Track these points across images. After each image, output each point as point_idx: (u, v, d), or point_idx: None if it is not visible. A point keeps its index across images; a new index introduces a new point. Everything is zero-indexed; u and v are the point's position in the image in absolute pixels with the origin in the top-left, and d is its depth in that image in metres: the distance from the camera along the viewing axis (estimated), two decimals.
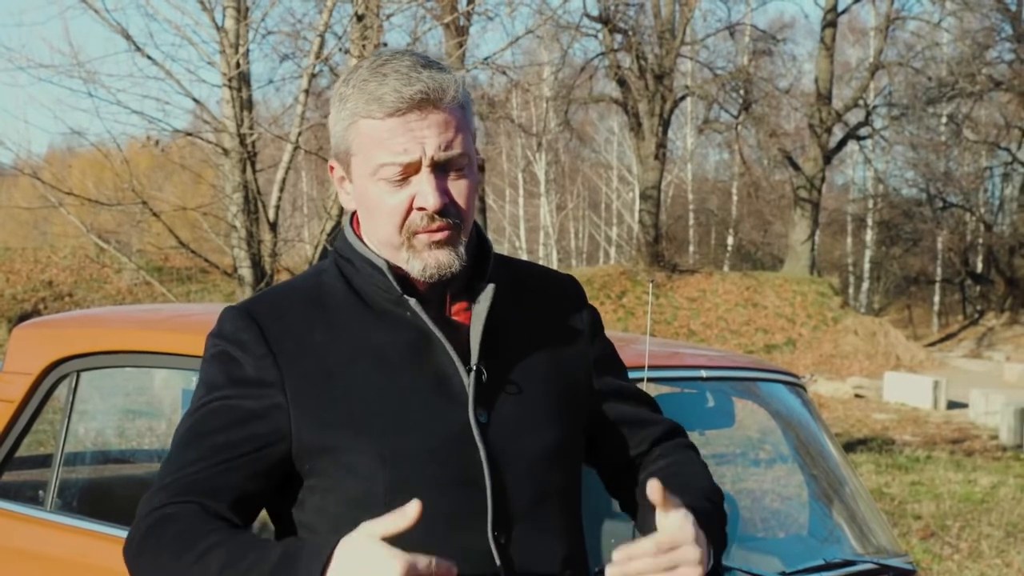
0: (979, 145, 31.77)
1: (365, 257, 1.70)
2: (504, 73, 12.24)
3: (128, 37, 8.65)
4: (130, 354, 3.23)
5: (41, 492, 3.31)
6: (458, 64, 11.18)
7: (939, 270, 35.55)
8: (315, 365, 1.64)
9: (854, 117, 29.97)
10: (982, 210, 34.52)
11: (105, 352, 3.24)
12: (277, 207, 8.98)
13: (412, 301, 1.66)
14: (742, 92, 27.80)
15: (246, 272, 8.59)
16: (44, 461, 3.73)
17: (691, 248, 38.15)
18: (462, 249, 1.66)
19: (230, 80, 8.54)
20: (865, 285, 37.12)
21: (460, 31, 13.07)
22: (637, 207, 30.97)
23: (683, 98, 29.77)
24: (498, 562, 1.62)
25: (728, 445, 7.90)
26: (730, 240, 38.52)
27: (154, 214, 9.04)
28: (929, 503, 9.65)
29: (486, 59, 10.65)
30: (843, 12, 29.70)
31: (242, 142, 8.54)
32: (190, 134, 9.29)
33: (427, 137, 1.62)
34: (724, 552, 1.73)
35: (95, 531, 3.08)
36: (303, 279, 1.76)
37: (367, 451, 1.61)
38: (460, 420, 1.64)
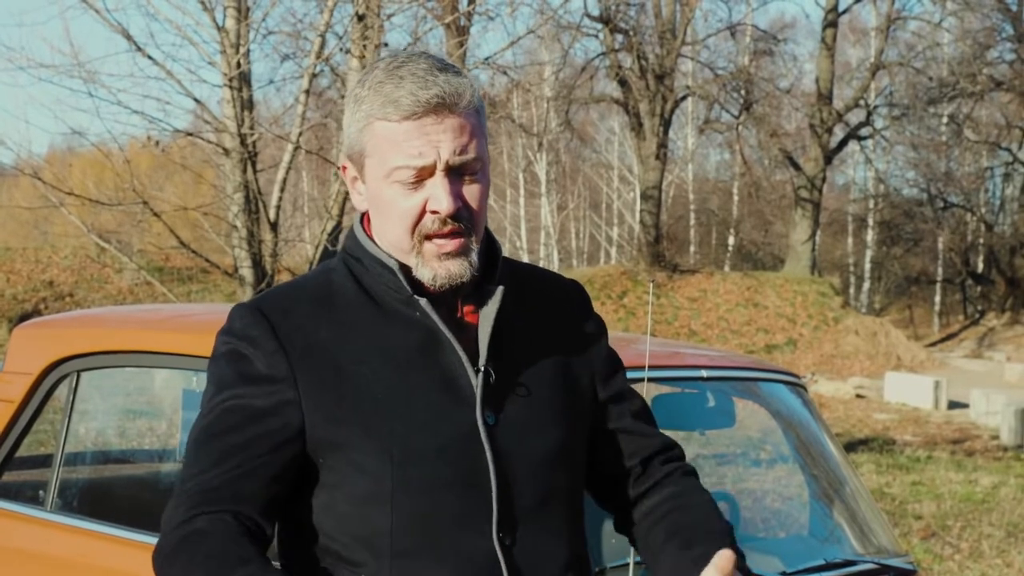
0: (980, 145, 31.76)
1: (375, 257, 1.70)
2: (505, 73, 12.24)
3: (129, 37, 8.65)
4: (131, 354, 3.22)
5: (41, 492, 3.31)
6: (459, 64, 11.18)
7: (940, 270, 35.54)
8: (325, 362, 1.64)
9: (855, 117, 29.96)
10: (983, 210, 34.51)
11: (106, 352, 3.24)
12: (278, 207, 8.97)
13: (423, 301, 1.66)
14: (743, 92, 27.79)
15: (247, 272, 8.59)
16: (44, 461, 3.73)
17: (692, 248, 38.14)
18: (474, 257, 1.67)
19: (231, 80, 8.54)
20: (866, 285, 37.11)
21: (461, 31, 13.05)
22: (638, 207, 30.97)
23: (684, 98, 29.78)
24: (502, 563, 1.62)
25: (729, 445, 7.90)
26: (731, 240, 38.52)
27: (155, 214, 9.04)
28: (930, 503, 9.65)
29: (487, 59, 10.65)
30: (844, 12, 29.69)
31: (243, 142, 8.54)
32: (191, 134, 9.29)
33: (442, 141, 1.62)
34: None
35: (95, 531, 3.08)
36: (312, 277, 1.76)
37: (375, 449, 1.61)
38: (468, 420, 1.64)
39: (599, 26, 26.60)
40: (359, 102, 1.66)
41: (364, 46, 8.62)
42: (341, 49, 9.77)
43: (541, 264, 34.85)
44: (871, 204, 36.21)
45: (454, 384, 1.65)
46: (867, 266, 36.92)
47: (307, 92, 9.01)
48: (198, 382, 3.26)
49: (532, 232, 39.24)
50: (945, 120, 31.21)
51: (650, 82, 26.78)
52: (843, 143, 30.21)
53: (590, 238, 44.11)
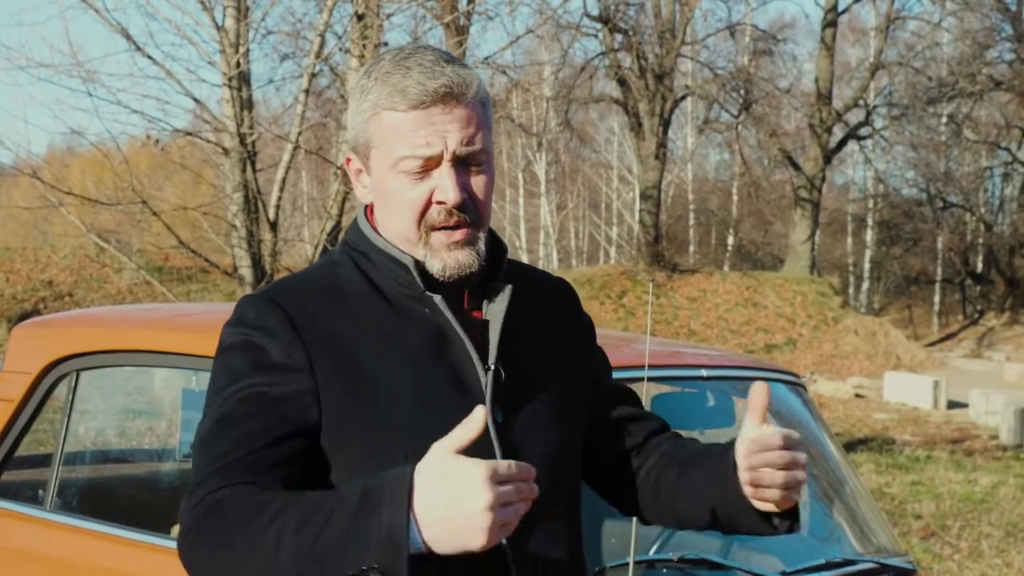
0: (979, 145, 31.77)
1: (385, 252, 1.69)
2: (504, 73, 12.22)
3: (128, 37, 8.64)
4: (130, 353, 3.22)
5: (41, 491, 3.31)
6: None
7: (939, 270, 35.55)
8: (343, 355, 1.62)
9: (854, 117, 29.97)
10: (982, 210, 34.52)
11: (105, 351, 3.24)
12: (277, 207, 8.97)
13: (437, 298, 1.65)
14: (742, 92, 27.79)
15: (246, 272, 8.59)
16: (44, 460, 3.73)
17: (691, 248, 38.15)
18: (481, 247, 1.67)
19: (230, 80, 8.53)
20: (865, 285, 37.13)
21: (460, 31, 13.05)
22: (637, 207, 30.97)
23: (683, 98, 29.77)
24: (510, 562, 1.62)
25: None
26: (730, 240, 38.52)
27: (154, 214, 9.03)
28: (929, 503, 9.65)
29: (486, 59, 10.64)
30: (843, 12, 29.69)
31: (242, 142, 8.54)
32: (190, 134, 9.28)
33: (449, 132, 1.61)
34: None
35: (95, 531, 3.07)
36: (318, 270, 1.74)
37: (389, 446, 1.60)
38: None
39: (598, 26, 26.60)
40: (365, 92, 1.66)
41: (363, 46, 8.62)
42: (340, 49, 9.78)
43: (541, 264, 34.88)
44: (870, 204, 36.22)
45: (464, 382, 1.65)
46: (866, 266, 36.93)
47: (306, 92, 9.00)
48: (197, 382, 3.26)
49: (531, 232, 39.25)
50: (944, 120, 31.22)
51: (649, 82, 26.78)
52: (842, 143, 30.22)
53: (589, 238, 44.12)
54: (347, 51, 9.40)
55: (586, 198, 42.83)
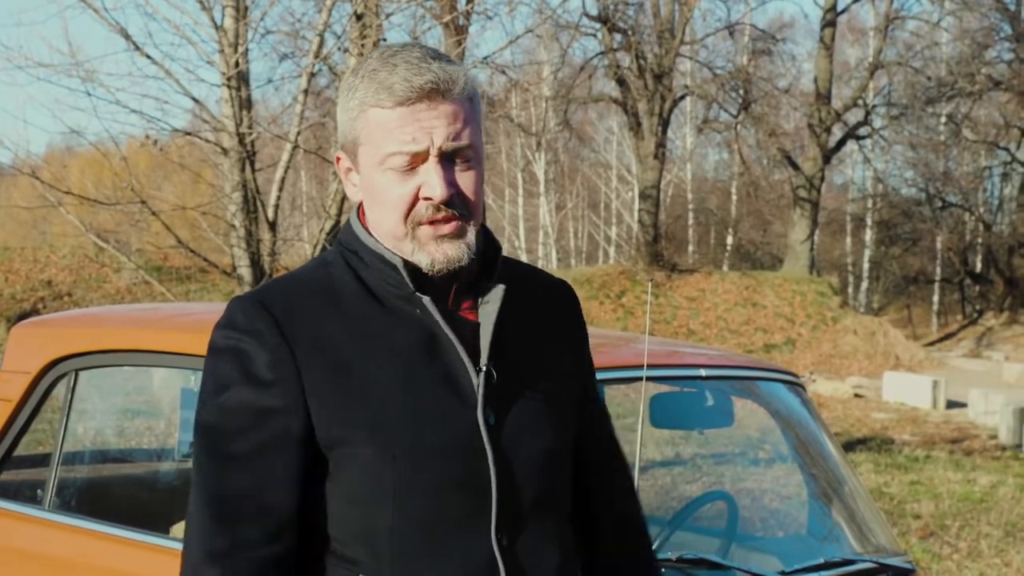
0: (978, 145, 31.78)
1: (375, 252, 1.68)
2: (503, 72, 12.22)
3: (127, 36, 8.64)
4: (129, 353, 3.22)
5: (39, 491, 3.31)
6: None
7: (938, 270, 35.56)
8: (331, 357, 1.62)
9: (853, 117, 29.97)
10: (981, 210, 34.52)
11: (104, 351, 3.23)
12: (276, 206, 8.97)
13: (426, 299, 1.65)
14: (741, 92, 27.79)
15: (245, 271, 8.59)
16: (42, 460, 3.73)
17: (690, 248, 38.15)
18: (471, 240, 1.65)
19: (229, 79, 8.53)
20: (864, 285, 37.13)
21: (459, 30, 13.04)
22: (636, 207, 30.97)
23: (682, 98, 29.77)
24: (500, 565, 1.62)
25: (727, 444, 7.91)
26: (729, 240, 38.53)
27: (153, 213, 9.03)
28: (928, 502, 9.65)
29: (485, 58, 10.63)
30: (842, 12, 29.69)
31: (241, 141, 8.53)
32: (189, 133, 9.28)
33: (436, 128, 1.61)
34: None
35: (94, 530, 3.07)
36: (310, 271, 1.73)
37: (378, 448, 1.60)
38: (469, 421, 1.63)
39: (597, 25, 26.60)
40: (352, 91, 1.66)
41: (363, 45, 8.62)
42: (339, 48, 9.77)
43: (540, 264, 34.88)
44: (869, 204, 36.23)
45: (455, 384, 1.64)
46: (865, 266, 36.94)
47: (305, 91, 9.00)
48: (196, 381, 3.25)
49: (530, 232, 39.26)
50: (943, 120, 31.22)
51: (648, 81, 26.78)
52: (841, 143, 30.22)
53: (588, 237, 44.13)
54: (346, 51, 9.40)
55: (585, 198, 42.84)
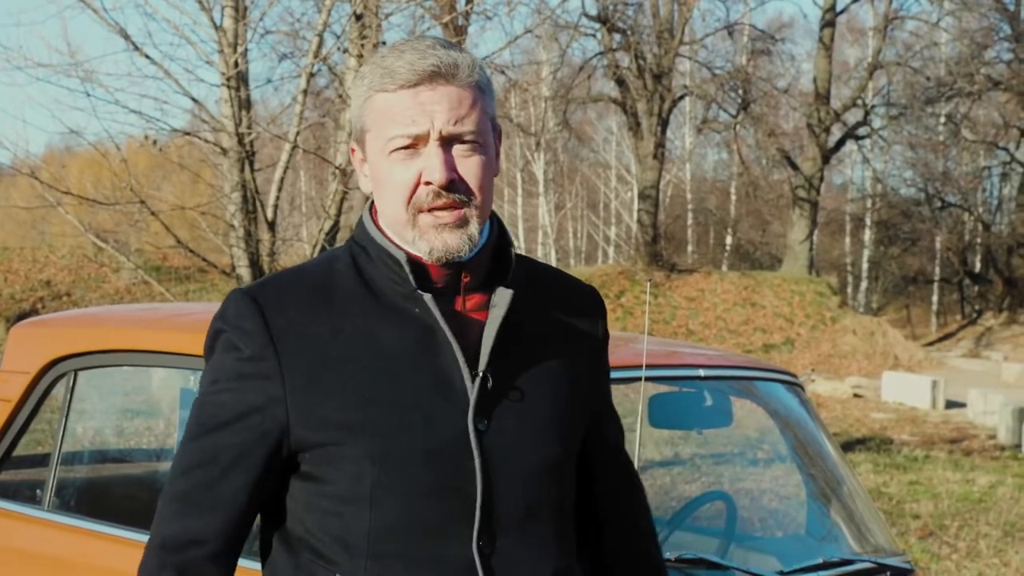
0: (977, 145, 31.79)
1: (382, 247, 1.67)
2: (503, 72, 12.22)
3: (126, 36, 8.63)
4: (128, 353, 3.22)
5: (38, 491, 3.31)
6: None
7: (937, 270, 35.57)
8: (315, 359, 1.61)
9: (852, 117, 29.98)
10: (980, 210, 34.53)
11: (103, 351, 3.23)
12: (275, 206, 8.97)
13: (427, 297, 1.63)
14: (741, 92, 27.80)
15: (244, 271, 8.59)
16: (42, 460, 3.73)
17: (689, 248, 38.16)
18: (474, 230, 1.63)
19: (228, 79, 8.53)
20: (863, 285, 37.13)
21: (459, 31, 13.03)
22: (636, 207, 30.97)
23: (682, 98, 29.77)
24: (480, 573, 1.60)
25: (726, 444, 7.90)
26: (728, 240, 38.53)
27: (152, 213, 9.03)
28: (927, 502, 9.65)
29: (485, 58, 10.63)
30: (842, 12, 29.70)
31: (240, 141, 8.53)
32: (188, 133, 9.27)
33: (437, 111, 1.60)
34: None
35: (92, 530, 3.07)
36: (315, 264, 1.73)
37: (357, 449, 1.59)
38: (458, 425, 1.60)
39: (597, 25, 26.60)
40: (362, 78, 1.66)
41: (362, 45, 8.61)
42: (339, 48, 9.77)
43: None
44: (869, 204, 36.24)
45: (448, 386, 1.62)
46: (864, 266, 36.95)
47: (305, 91, 9.00)
48: (196, 381, 3.25)
49: (530, 231, 39.25)
50: (943, 120, 31.24)
51: (648, 82, 26.78)
52: (841, 143, 30.23)
53: (588, 237, 44.14)
54: (345, 51, 9.40)
55: (584, 198, 42.85)
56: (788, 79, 29.46)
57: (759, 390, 3.61)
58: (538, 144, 29.05)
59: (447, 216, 1.61)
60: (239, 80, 8.74)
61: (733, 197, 38.39)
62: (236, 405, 1.63)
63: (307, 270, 1.72)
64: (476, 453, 1.60)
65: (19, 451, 3.43)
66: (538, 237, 37.84)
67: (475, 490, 1.60)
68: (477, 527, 1.60)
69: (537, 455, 1.66)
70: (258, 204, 8.74)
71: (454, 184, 1.61)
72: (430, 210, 1.61)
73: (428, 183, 1.60)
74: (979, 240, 34.47)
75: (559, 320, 1.76)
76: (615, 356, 3.19)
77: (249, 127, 8.70)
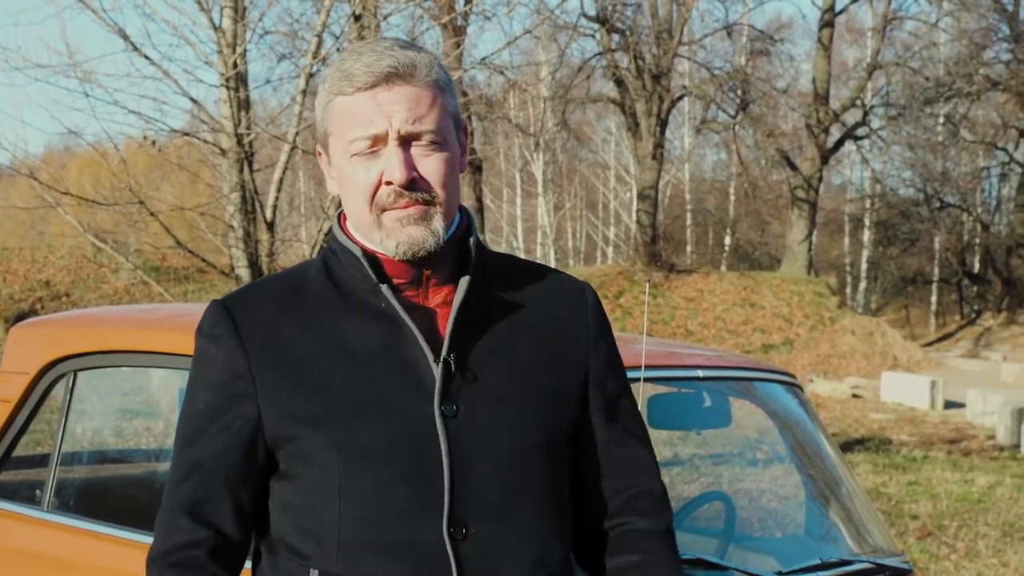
0: (976, 145, 31.80)
1: (344, 245, 1.71)
2: (502, 73, 12.25)
3: (125, 37, 8.63)
4: (127, 354, 3.23)
5: (38, 492, 3.31)
6: (456, 64, 11.17)
7: (936, 270, 35.58)
8: (283, 358, 1.65)
9: (851, 117, 29.98)
10: (979, 210, 34.55)
11: (102, 352, 3.24)
12: (274, 207, 8.97)
13: (384, 288, 1.65)
14: (740, 92, 27.80)
15: (243, 272, 8.59)
16: (41, 461, 3.73)
17: (688, 248, 38.16)
18: (437, 226, 1.65)
19: (227, 80, 8.53)
20: (862, 285, 37.14)
21: (458, 31, 13.05)
22: (635, 207, 30.97)
23: (681, 98, 29.78)
24: (451, 558, 1.60)
25: (725, 445, 7.90)
26: (727, 240, 38.54)
27: (151, 214, 9.03)
28: (926, 503, 9.66)
29: (484, 59, 10.64)
30: (841, 12, 29.70)
31: (239, 142, 8.53)
32: (187, 134, 9.28)
33: (395, 111, 1.62)
34: None
35: (92, 531, 3.08)
36: (291, 271, 1.78)
37: (324, 442, 1.61)
38: (424, 412, 1.62)
39: (596, 26, 26.60)
40: (323, 83, 1.69)
41: None
42: (338, 49, 9.76)
43: None
44: (867, 204, 36.24)
45: (415, 376, 1.64)
46: (863, 266, 36.95)
47: (304, 92, 8.99)
48: None
49: (529, 232, 39.24)
50: (941, 120, 31.25)
51: (647, 82, 26.78)
52: (840, 143, 30.23)
53: (587, 238, 44.13)
54: (344, 51, 9.40)
55: (583, 198, 42.85)
56: (787, 79, 29.52)
57: (758, 391, 3.61)
58: (537, 144, 29.06)
59: (410, 211, 1.64)
60: (238, 80, 8.74)
61: (732, 197, 38.39)
62: (212, 411, 1.67)
63: (282, 277, 1.77)
64: (443, 439, 1.61)
65: (19, 451, 3.43)
66: (537, 237, 37.84)
67: (443, 476, 1.61)
68: (447, 512, 1.60)
69: (512, 441, 1.66)
70: (257, 205, 8.74)
71: (415, 183, 1.63)
72: (391, 209, 1.64)
73: (389, 183, 1.63)
74: (978, 240, 34.48)
75: (535, 309, 1.76)
76: None
77: (248, 128, 8.69)
